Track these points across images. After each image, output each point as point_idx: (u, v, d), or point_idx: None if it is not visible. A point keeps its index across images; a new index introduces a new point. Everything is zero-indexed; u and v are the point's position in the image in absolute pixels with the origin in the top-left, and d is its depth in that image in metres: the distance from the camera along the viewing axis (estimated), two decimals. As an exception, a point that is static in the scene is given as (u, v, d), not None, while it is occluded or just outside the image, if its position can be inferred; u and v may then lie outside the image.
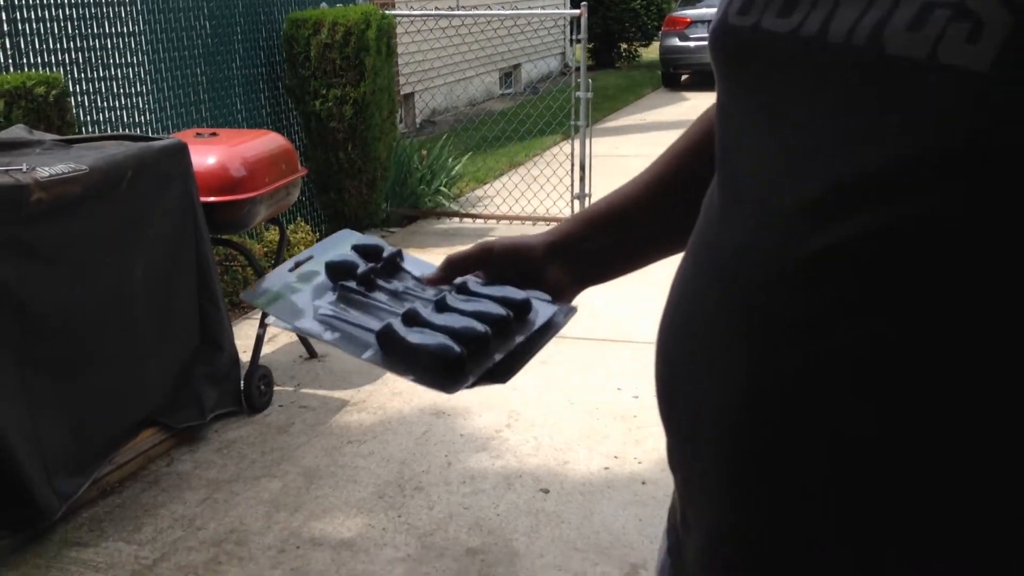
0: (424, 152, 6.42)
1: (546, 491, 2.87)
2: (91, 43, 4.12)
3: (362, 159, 5.28)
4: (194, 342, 3.15)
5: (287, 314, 0.77)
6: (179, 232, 3.04)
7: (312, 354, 3.92)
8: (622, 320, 4.22)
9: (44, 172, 2.50)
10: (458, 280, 0.82)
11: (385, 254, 0.82)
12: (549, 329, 0.79)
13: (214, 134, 3.64)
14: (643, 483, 2.90)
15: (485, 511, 2.77)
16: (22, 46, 3.79)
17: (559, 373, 3.71)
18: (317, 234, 5.44)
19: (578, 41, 5.79)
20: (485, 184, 7.09)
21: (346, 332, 0.75)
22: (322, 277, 0.81)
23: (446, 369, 0.71)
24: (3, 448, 2.37)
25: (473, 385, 0.72)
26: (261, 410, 3.42)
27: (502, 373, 0.75)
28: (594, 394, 3.53)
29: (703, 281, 0.64)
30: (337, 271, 0.80)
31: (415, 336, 0.72)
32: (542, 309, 0.80)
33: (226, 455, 3.12)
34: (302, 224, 5.31)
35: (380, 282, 0.80)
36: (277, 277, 0.81)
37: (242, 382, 3.37)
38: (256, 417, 3.39)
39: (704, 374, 0.63)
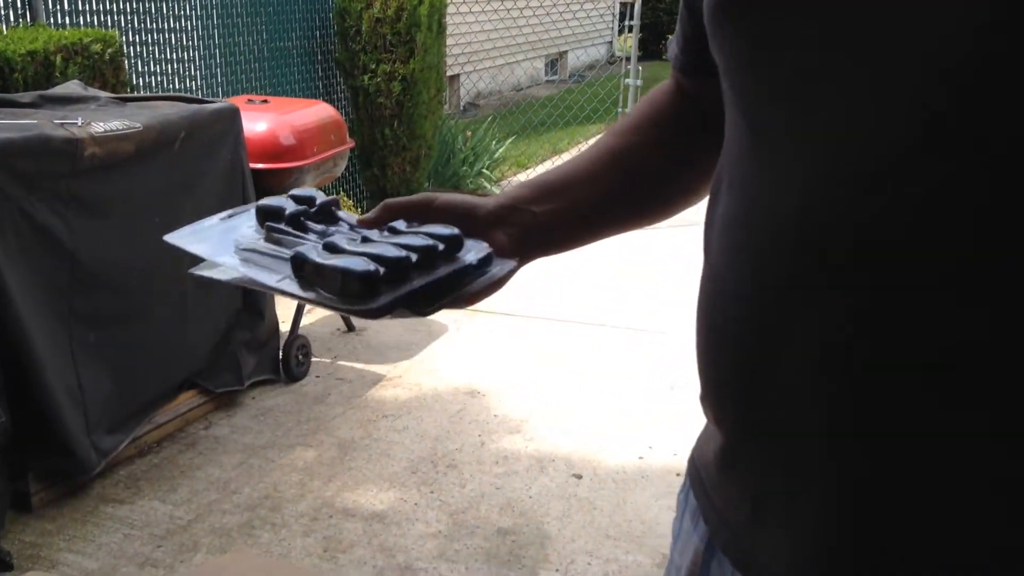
0: (468, 134, 6.40)
1: (579, 476, 2.85)
2: (147, 5, 4.14)
3: (407, 136, 5.27)
4: (236, 307, 3.16)
5: (201, 248, 0.73)
6: (227, 196, 3.04)
7: (350, 327, 3.93)
8: (660, 310, 4.18)
9: (99, 127, 2.51)
10: (391, 224, 0.78)
11: (319, 201, 0.78)
12: (482, 269, 0.74)
13: (265, 101, 3.64)
14: (677, 475, 2.86)
15: (517, 492, 2.75)
16: (79, 4, 3.81)
17: (595, 360, 3.68)
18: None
19: (629, 29, 5.73)
20: (527, 169, 7.05)
21: (262, 264, 0.71)
22: (251, 220, 0.78)
23: (359, 285, 0.66)
24: (47, 398, 2.38)
25: (389, 309, 0.67)
26: (298, 379, 3.43)
27: (422, 304, 0.70)
28: (630, 383, 3.49)
29: (765, 250, 0.60)
30: (268, 214, 0.76)
31: (330, 259, 0.68)
32: (476, 249, 0.75)
33: (262, 422, 3.13)
34: (344, 199, 5.31)
35: (311, 224, 0.76)
36: (204, 222, 0.77)
37: (280, 351, 3.38)
38: (293, 386, 3.39)
39: (807, 342, 0.58)
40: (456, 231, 0.74)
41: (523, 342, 3.85)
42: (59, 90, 2.90)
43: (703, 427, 0.79)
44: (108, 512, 2.57)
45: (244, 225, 0.77)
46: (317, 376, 3.49)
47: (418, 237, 0.72)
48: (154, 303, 2.79)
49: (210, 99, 3.23)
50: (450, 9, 6.56)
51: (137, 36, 4.11)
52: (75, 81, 3.04)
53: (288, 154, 3.37)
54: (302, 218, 0.75)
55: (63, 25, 3.71)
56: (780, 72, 0.59)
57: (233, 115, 3.03)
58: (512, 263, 0.77)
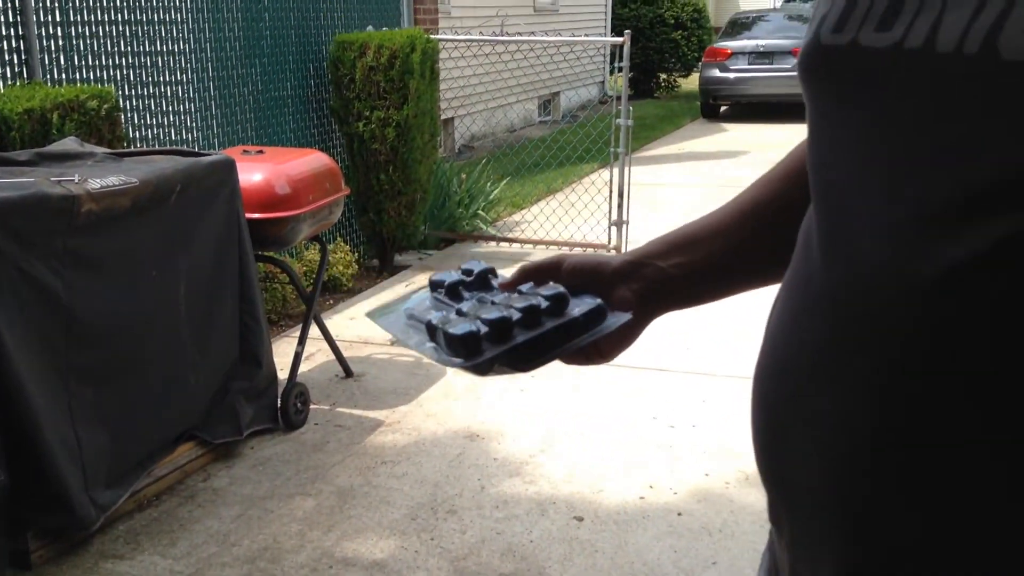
0: (463, 176, 6.45)
1: (580, 519, 2.84)
2: (142, 60, 4.20)
3: (402, 181, 5.31)
4: (233, 357, 3.17)
5: (386, 320, 0.85)
6: (224, 247, 3.07)
7: (348, 373, 3.93)
8: (659, 348, 4.18)
9: (95, 184, 2.54)
10: (520, 288, 0.84)
11: (477, 270, 0.86)
12: (591, 325, 0.79)
13: (260, 151, 3.68)
14: (679, 514, 2.85)
15: (518, 537, 2.74)
16: (76, 60, 3.86)
17: (594, 400, 3.68)
18: (355, 254, 5.47)
19: (619, 69, 5.80)
20: (522, 209, 7.10)
21: (413, 326, 0.82)
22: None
23: (460, 344, 0.73)
24: (45, 455, 2.39)
25: (488, 366, 0.74)
26: (297, 428, 3.43)
27: (526, 360, 0.76)
28: (630, 422, 3.49)
29: (810, 314, 0.61)
30: (433, 285, 0.87)
31: (447, 325, 0.76)
32: (585, 303, 0.79)
33: (261, 472, 3.12)
34: (341, 244, 5.35)
35: (466, 292, 0.84)
36: (399, 300, 0.89)
37: (279, 399, 3.38)
38: (292, 434, 3.39)
39: (822, 414, 0.59)
40: (561, 289, 0.79)
41: (520, 384, 3.85)
42: (56, 147, 2.94)
43: None
44: (108, 568, 2.56)
45: (423, 297, 0.88)
46: (316, 423, 3.49)
47: (526, 297, 0.79)
48: (151, 356, 2.80)
49: (206, 151, 3.27)
50: (442, 55, 6.65)
51: (133, 90, 4.17)
52: (72, 138, 3.08)
53: (284, 203, 3.40)
54: (459, 287, 0.85)
55: (60, 82, 3.76)
56: (830, 148, 0.61)
57: (229, 167, 3.06)
58: (626, 316, 0.80)
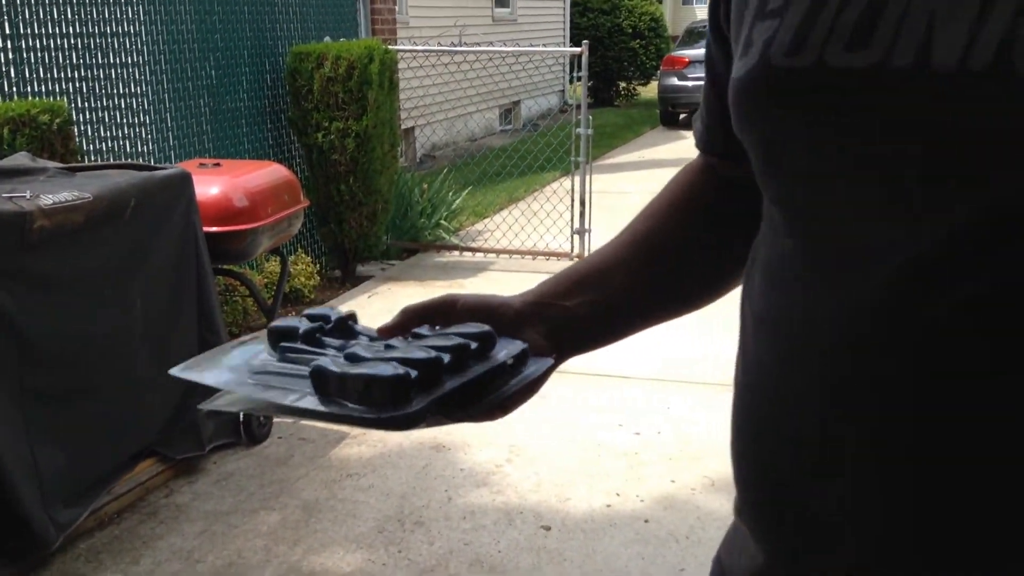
0: (425, 186, 6.44)
1: (547, 528, 2.84)
2: (95, 72, 4.14)
3: (363, 192, 5.29)
4: (194, 372, 3.12)
5: (210, 377, 0.67)
6: (181, 261, 3.02)
7: (311, 386, 3.89)
8: (623, 355, 4.20)
9: (47, 200, 2.49)
10: (415, 330, 0.73)
11: (334, 316, 0.73)
12: (517, 369, 0.70)
13: (217, 164, 3.64)
14: (646, 521, 2.86)
15: (486, 547, 2.73)
16: (27, 74, 3.80)
17: (559, 408, 3.68)
18: (317, 265, 5.43)
19: (579, 79, 5.83)
20: (485, 218, 7.10)
21: (278, 385, 0.64)
22: (263, 345, 0.72)
23: (389, 390, 0.60)
24: (2, 477, 2.33)
25: (423, 416, 0.61)
26: (260, 442, 3.39)
27: (456, 409, 0.65)
28: (595, 430, 3.50)
29: (810, 354, 0.57)
30: (281, 335, 0.70)
31: (354, 368, 0.62)
32: (509, 347, 0.70)
33: (224, 487, 3.08)
34: (302, 255, 5.30)
35: (328, 340, 0.70)
36: (213, 352, 0.72)
37: (241, 413, 3.34)
38: (255, 449, 3.35)
39: (842, 447, 0.55)
40: (488, 328, 0.69)
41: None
42: (6, 163, 2.88)
43: (732, 526, 0.75)
44: (66, 590, 2.51)
45: (256, 351, 0.71)
46: (279, 437, 3.45)
47: (447, 338, 0.67)
48: (108, 374, 2.75)
49: (161, 165, 3.23)
50: (401, 65, 6.63)
51: (87, 103, 4.11)
52: (23, 153, 3.02)
53: (242, 216, 3.36)
54: (318, 335, 0.70)
55: (10, 96, 3.70)
56: (803, 181, 0.57)
57: (184, 180, 3.02)
58: (548, 361, 0.73)
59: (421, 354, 0.63)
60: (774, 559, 0.64)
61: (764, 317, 0.62)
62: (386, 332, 0.73)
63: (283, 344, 0.69)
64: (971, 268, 0.48)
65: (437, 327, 0.73)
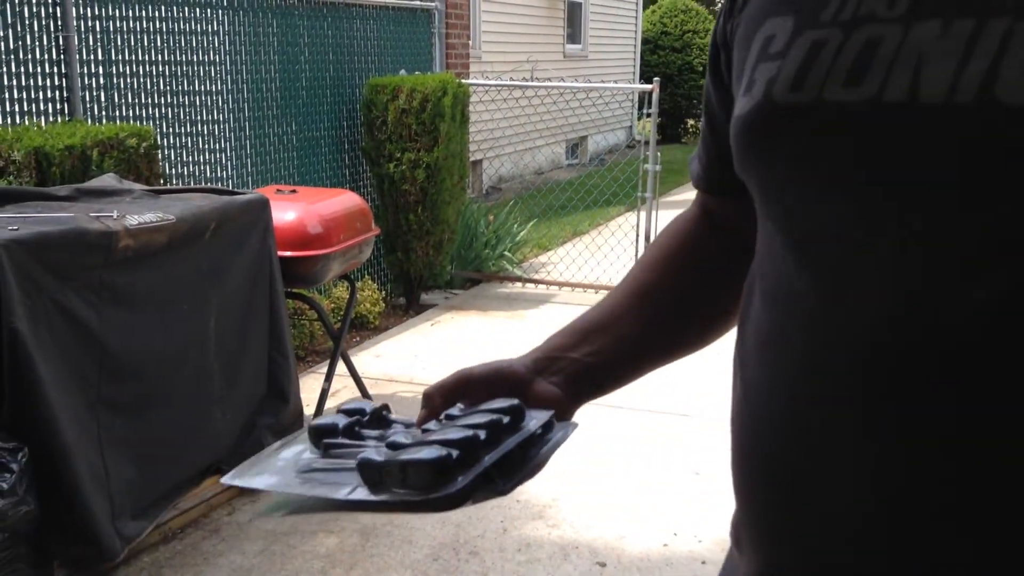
0: (491, 217, 6.51)
1: (603, 564, 2.82)
2: (181, 99, 4.30)
3: (431, 221, 5.37)
4: (261, 392, 3.20)
5: (261, 481, 0.70)
6: (255, 284, 3.11)
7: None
8: (684, 393, 4.17)
9: (133, 220, 2.60)
10: (447, 412, 0.76)
11: (369, 409, 0.77)
12: (548, 436, 0.73)
13: (294, 191, 3.74)
14: (703, 563, 2.83)
15: (541, 581, 2.72)
16: (116, 99, 3.96)
17: (618, 444, 3.67)
18: (383, 292, 5.51)
19: (648, 115, 5.85)
20: (548, 251, 7.13)
21: (327, 481, 0.68)
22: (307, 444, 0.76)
23: (430, 472, 0.63)
24: (74, 486, 2.41)
25: (469, 493, 0.64)
26: (321, 464, 3.44)
27: (499, 481, 0.67)
28: (653, 468, 3.47)
29: (828, 374, 0.59)
30: (321, 433, 0.74)
31: (396, 456, 0.65)
32: (537, 417, 0.73)
33: (285, 507, 3.13)
34: (369, 282, 5.39)
35: (366, 432, 0.74)
36: (259, 456, 0.75)
37: (304, 435, 3.40)
38: (316, 471, 3.40)
39: (859, 457, 0.58)
40: (516, 401, 0.72)
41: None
42: (95, 183, 3.01)
43: (727, 555, 0.78)
44: (131, 600, 2.57)
45: (299, 450, 0.74)
46: (340, 461, 3.50)
47: (479, 415, 0.71)
48: (180, 390, 2.83)
49: (241, 190, 3.33)
50: (473, 99, 6.74)
51: (171, 129, 4.26)
52: (110, 174, 3.15)
53: (315, 242, 3.45)
54: (356, 428, 0.74)
55: (100, 120, 3.86)
56: (802, 210, 0.61)
57: (263, 206, 3.12)
58: (574, 424, 0.77)
59: (458, 434, 0.66)
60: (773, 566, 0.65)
61: (767, 340, 0.65)
62: (420, 421, 0.77)
63: (325, 441, 0.73)
64: (961, 295, 0.52)
65: (462, 407, 0.76)
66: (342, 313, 4.30)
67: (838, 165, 0.58)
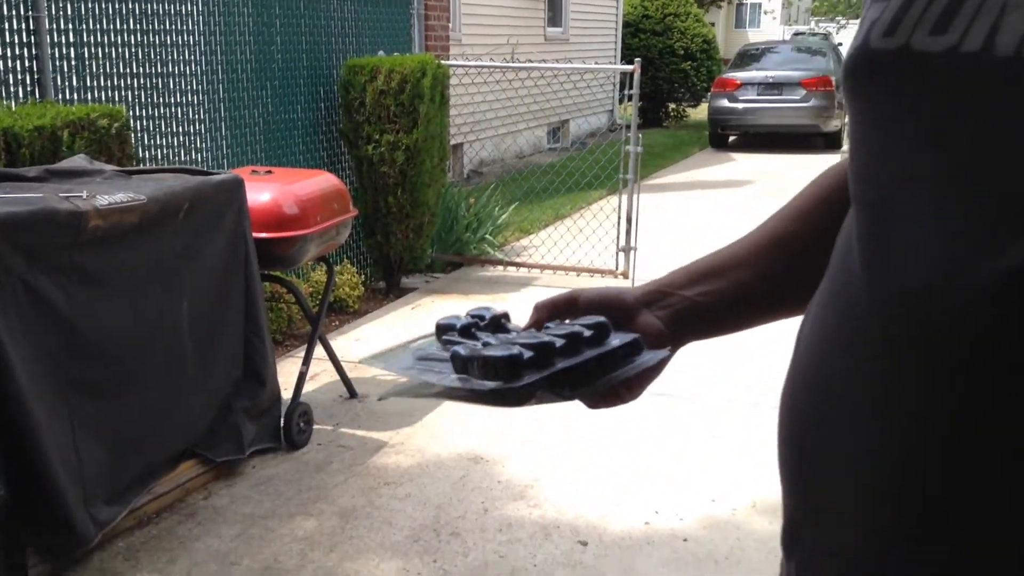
0: (472, 200, 6.47)
1: (584, 543, 2.81)
2: (154, 80, 4.23)
3: (411, 204, 5.32)
4: (237, 375, 3.16)
5: (392, 363, 0.81)
6: (230, 265, 3.07)
7: (352, 394, 3.91)
8: (666, 375, 4.16)
9: (103, 200, 2.55)
10: (546, 324, 0.83)
11: (489, 315, 0.84)
12: (630, 358, 0.76)
13: (269, 171, 3.69)
14: (684, 540, 2.82)
15: (522, 561, 2.71)
16: (88, 80, 3.90)
17: (600, 424, 3.65)
18: (362, 276, 5.47)
19: (629, 97, 5.82)
20: (530, 234, 7.11)
21: (435, 369, 0.77)
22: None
23: (503, 367, 0.70)
24: (45, 470, 2.37)
25: (532, 391, 0.71)
26: (300, 447, 3.41)
27: (566, 387, 0.73)
28: (635, 447, 3.46)
29: (854, 329, 0.58)
30: (442, 329, 0.83)
31: (480, 351, 0.73)
32: (621, 336, 0.77)
33: (263, 491, 3.10)
34: (348, 266, 5.35)
35: (481, 334, 0.81)
36: (395, 346, 0.86)
37: (282, 418, 3.37)
38: (294, 454, 3.37)
39: (876, 425, 0.56)
40: (603, 319, 0.77)
41: (526, 407, 3.82)
42: (65, 164, 2.95)
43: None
44: (106, 586, 2.54)
45: (428, 343, 0.84)
46: (319, 444, 3.47)
47: (566, 327, 0.77)
48: (153, 373, 2.79)
49: (215, 171, 3.28)
50: (453, 80, 6.69)
51: (144, 110, 4.20)
52: (81, 155, 3.09)
53: (291, 223, 3.40)
54: (472, 329, 0.82)
55: (71, 101, 3.79)
56: (878, 157, 0.59)
57: (237, 186, 3.07)
58: (664, 352, 0.78)
59: (536, 339, 0.74)
60: (806, 516, 0.64)
61: (823, 291, 0.64)
62: (525, 328, 0.82)
63: (444, 337, 0.82)
64: (1007, 258, 0.49)
65: (566, 320, 0.82)
66: (320, 296, 4.26)
67: (909, 118, 0.57)
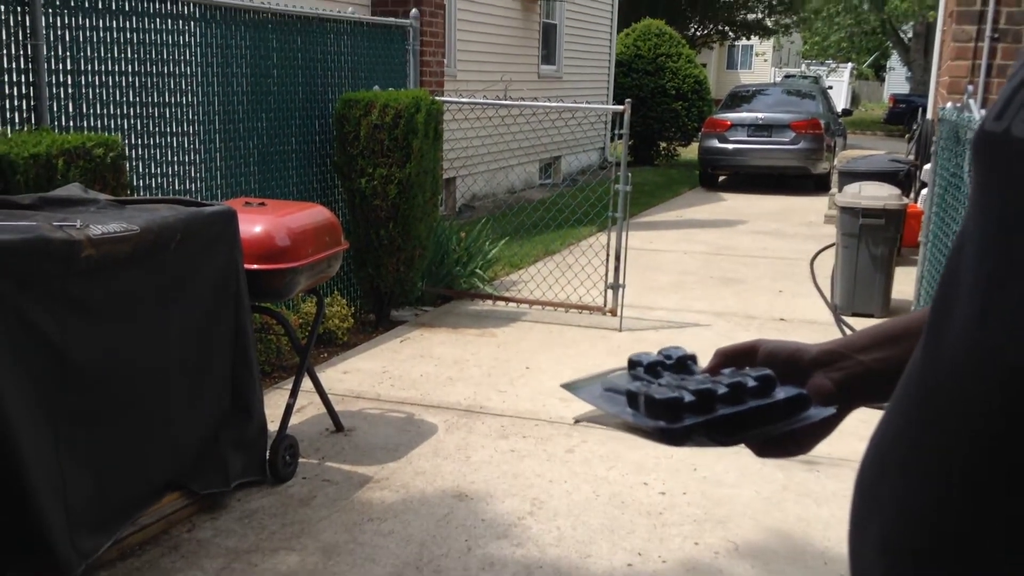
0: (463, 234, 6.50)
1: (567, 584, 2.80)
2: (150, 110, 4.26)
3: (402, 237, 5.35)
4: (224, 406, 3.16)
5: (584, 392, 0.86)
6: (221, 297, 3.08)
7: (339, 427, 3.91)
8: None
9: (97, 229, 2.56)
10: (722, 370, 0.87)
11: (676, 356, 0.88)
12: (794, 411, 0.79)
13: (262, 203, 3.71)
14: (667, 583, 2.82)
15: (504, 600, 2.70)
16: (84, 108, 3.92)
17: (585, 463, 3.66)
18: (352, 308, 5.48)
19: (620, 136, 5.88)
20: (520, 269, 7.14)
21: (618, 401, 0.82)
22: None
23: (663, 409, 0.76)
24: (30, 497, 2.36)
25: (687, 433, 0.75)
26: (285, 480, 3.40)
27: (726, 434, 0.77)
28: (620, 487, 3.47)
29: (903, 397, 0.61)
30: (634, 364, 0.88)
31: (649, 390, 0.78)
32: (788, 390, 0.80)
33: (247, 524, 3.09)
34: (338, 298, 5.36)
35: (665, 372, 0.86)
36: (600, 373, 0.90)
37: (268, 451, 3.36)
38: (279, 488, 3.36)
39: (892, 493, 0.59)
40: (769, 372, 0.81)
41: (511, 445, 3.83)
42: (59, 192, 2.97)
43: None
44: (85, 617, 2.52)
45: (621, 374, 0.89)
46: (304, 477, 3.47)
47: (736, 376, 0.81)
48: (141, 402, 2.79)
49: (208, 202, 3.30)
50: (447, 116, 6.75)
51: (140, 139, 4.22)
52: (75, 184, 3.11)
53: (283, 255, 3.42)
54: (658, 367, 0.87)
55: (67, 129, 3.81)
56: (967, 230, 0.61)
57: (230, 217, 3.09)
58: (829, 411, 0.80)
59: (701, 385, 0.78)
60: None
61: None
62: (704, 371, 0.86)
63: (632, 372, 0.88)
64: None
65: (745, 368, 0.86)
66: (309, 328, 4.27)
67: (996, 199, 0.59)
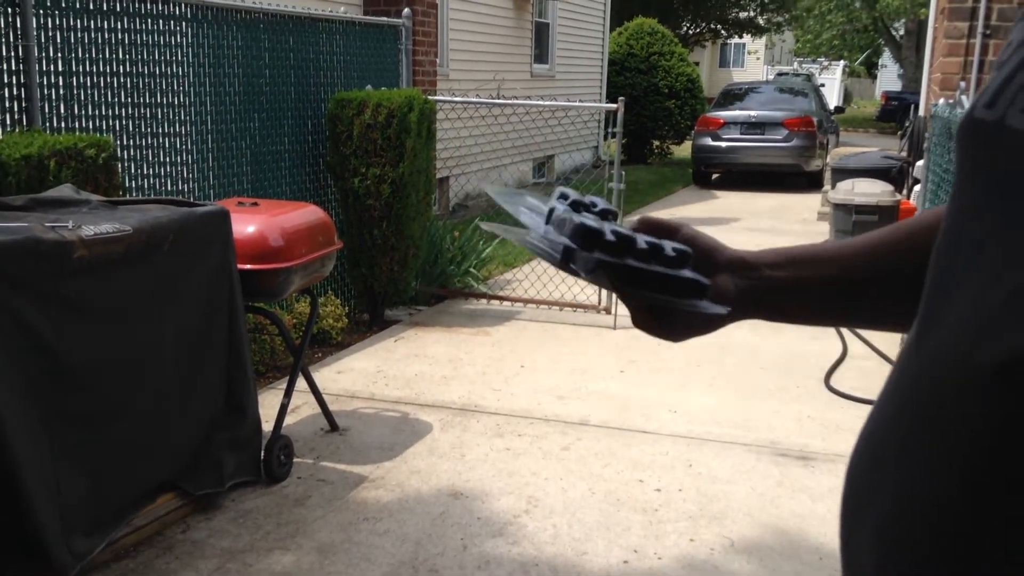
0: (456, 234, 6.50)
1: (563, 582, 2.80)
2: (142, 111, 4.25)
3: (396, 237, 5.35)
4: (218, 407, 3.15)
5: (502, 197, 0.89)
6: (214, 297, 3.07)
7: (333, 427, 3.91)
8: (647, 411, 4.18)
9: (89, 230, 2.56)
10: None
11: (602, 206, 0.89)
12: (692, 295, 0.79)
13: (255, 203, 3.71)
14: (663, 580, 2.82)
15: (500, 598, 2.70)
16: (76, 109, 3.91)
17: (580, 460, 3.66)
18: (346, 308, 5.47)
19: (613, 135, 5.89)
20: (514, 268, 7.14)
21: (536, 218, 0.85)
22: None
23: (582, 235, 0.76)
24: (23, 498, 2.36)
25: (594, 269, 0.76)
26: (280, 480, 3.39)
27: (624, 283, 0.78)
28: (615, 484, 3.47)
29: (894, 393, 0.60)
30: (562, 195, 0.89)
31: (567, 216, 0.80)
32: (697, 276, 0.81)
33: (241, 525, 3.08)
34: (332, 298, 5.36)
35: (587, 214, 0.86)
36: (520, 192, 0.93)
37: (263, 451, 3.36)
38: (274, 487, 3.36)
39: (884, 492, 0.58)
40: (688, 249, 0.82)
41: (506, 443, 3.83)
42: (51, 193, 2.96)
43: None
44: (80, 619, 2.51)
45: (544, 201, 0.90)
46: (299, 477, 3.46)
47: (655, 240, 0.82)
48: (135, 403, 2.78)
49: (201, 202, 3.29)
50: (440, 115, 6.74)
51: (132, 140, 4.21)
52: (67, 185, 3.10)
53: (276, 255, 3.41)
54: (582, 207, 0.87)
55: (59, 130, 3.80)
56: (957, 220, 0.61)
57: (223, 218, 3.08)
58: (723, 309, 0.81)
59: (623, 231, 0.78)
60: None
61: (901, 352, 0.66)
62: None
63: (556, 201, 0.87)
64: None
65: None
66: (303, 328, 4.26)
67: (990, 190, 0.58)
